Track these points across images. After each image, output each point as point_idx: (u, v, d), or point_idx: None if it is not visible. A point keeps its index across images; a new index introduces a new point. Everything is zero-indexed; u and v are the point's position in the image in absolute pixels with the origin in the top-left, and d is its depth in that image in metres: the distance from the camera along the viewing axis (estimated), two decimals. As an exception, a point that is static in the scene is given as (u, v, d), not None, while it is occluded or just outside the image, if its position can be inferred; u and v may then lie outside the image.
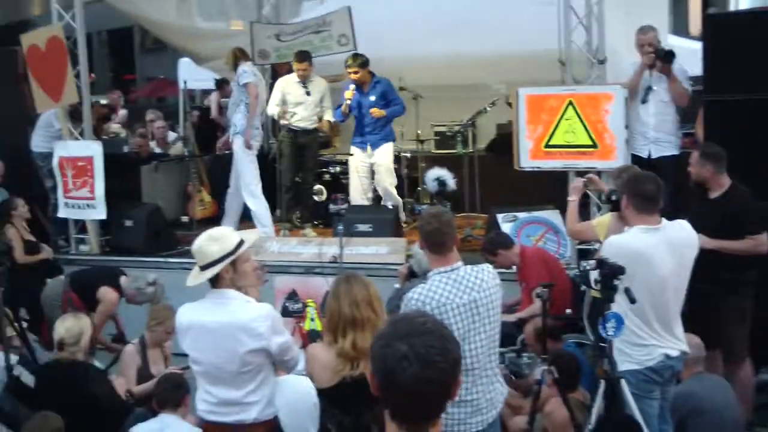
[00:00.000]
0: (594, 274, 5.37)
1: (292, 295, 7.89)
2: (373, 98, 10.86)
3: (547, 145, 8.88)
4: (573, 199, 7.20)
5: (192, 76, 15.60)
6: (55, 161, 10.73)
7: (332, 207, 9.10)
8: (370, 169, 11.07)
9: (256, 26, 13.05)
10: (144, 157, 12.63)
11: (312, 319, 8.85)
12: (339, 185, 11.62)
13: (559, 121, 8.78)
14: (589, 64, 8.92)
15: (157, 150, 13.54)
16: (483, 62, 12.51)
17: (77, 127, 10.93)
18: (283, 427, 5.18)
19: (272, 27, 13.16)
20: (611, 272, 5.21)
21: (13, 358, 7.18)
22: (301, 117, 11.12)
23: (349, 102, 10.84)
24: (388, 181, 10.98)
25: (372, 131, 11.01)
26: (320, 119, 11.21)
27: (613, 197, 6.10)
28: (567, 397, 6.30)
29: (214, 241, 4.94)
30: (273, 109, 11.24)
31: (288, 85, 11.20)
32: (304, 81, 11.09)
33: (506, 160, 9.56)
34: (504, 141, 11.26)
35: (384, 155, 11.01)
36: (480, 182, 11.64)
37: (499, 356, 5.16)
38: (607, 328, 5.27)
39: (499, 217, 9.50)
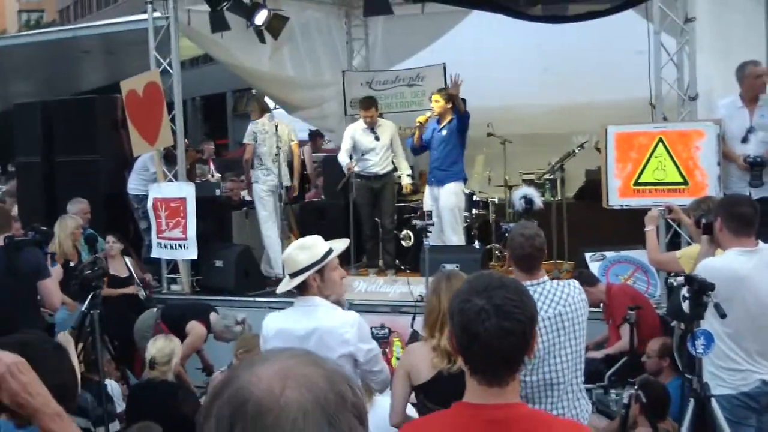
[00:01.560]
0: (683, 291, 5.30)
1: (381, 327, 7.95)
2: (444, 132, 10.68)
3: (637, 183, 8.80)
4: (650, 229, 7.13)
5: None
6: (149, 203, 11.00)
7: (418, 223, 9.12)
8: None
9: (349, 74, 13.31)
10: (235, 203, 12.88)
11: (398, 358, 8.89)
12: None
13: (648, 159, 8.71)
14: (680, 102, 8.86)
15: (248, 198, 13.79)
16: (572, 111, 12.55)
17: (171, 170, 11.22)
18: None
19: (365, 74, 13.39)
20: (700, 288, 5.14)
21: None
22: (374, 163, 11.22)
23: (420, 126, 10.69)
24: (450, 230, 10.63)
25: (439, 167, 10.75)
26: (398, 175, 11.32)
27: (704, 220, 6.01)
28: (656, 426, 6.19)
29: (303, 250, 5.04)
30: (344, 158, 11.36)
31: (356, 132, 11.36)
32: (372, 127, 11.23)
33: (595, 206, 9.51)
34: (593, 187, 11.19)
35: (449, 197, 10.68)
36: (568, 230, 11.53)
37: (586, 393, 5.10)
38: (696, 345, 5.18)
39: (587, 256, 9.43)
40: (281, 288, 5.15)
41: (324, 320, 4.96)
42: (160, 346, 7.06)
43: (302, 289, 5.04)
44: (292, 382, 1.57)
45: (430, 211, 9.75)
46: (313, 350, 4.64)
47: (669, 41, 9.03)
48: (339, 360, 4.87)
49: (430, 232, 9.23)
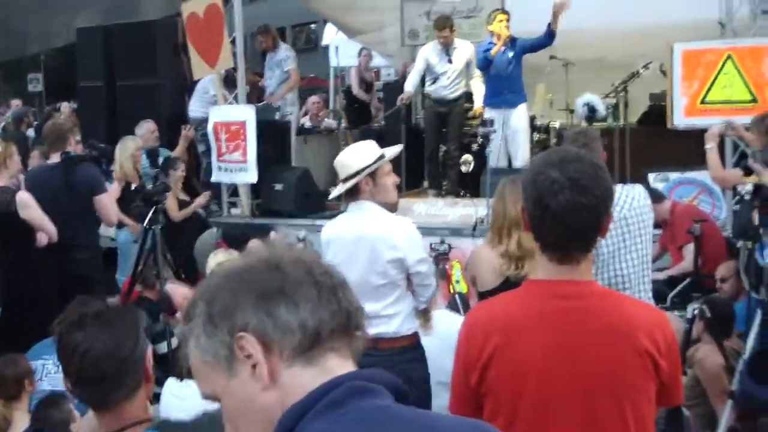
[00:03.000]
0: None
1: (441, 242, 7.90)
2: (510, 54, 10.33)
3: (703, 101, 8.58)
4: (710, 147, 6.97)
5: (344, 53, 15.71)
6: (209, 126, 10.98)
7: (481, 130, 8.98)
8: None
9: (407, 4, 13.10)
10: (295, 129, 12.87)
11: (457, 281, 8.84)
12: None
13: (716, 77, 8.47)
14: (752, 17, 8.58)
15: (309, 124, 13.80)
16: (637, 34, 12.23)
17: (231, 93, 11.20)
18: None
19: (422, 5, 13.16)
20: (771, 196, 5.02)
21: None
22: (443, 86, 10.98)
23: (500, 45, 10.23)
24: (524, 148, 10.38)
25: (510, 89, 10.38)
26: (471, 99, 11.09)
27: None
28: (722, 343, 6.09)
29: (355, 153, 5.00)
30: (408, 83, 11.18)
31: (430, 53, 11.09)
32: (447, 48, 10.97)
33: (660, 131, 9.30)
34: (657, 112, 10.97)
35: (520, 118, 10.42)
36: (631, 155, 11.32)
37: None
38: (765, 255, 5.07)
39: (651, 176, 9.25)
40: (334, 193, 5.13)
41: (374, 225, 4.94)
42: (220, 260, 7.05)
43: (354, 194, 4.99)
44: None
45: (492, 119, 9.60)
46: (363, 255, 4.67)
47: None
48: (387, 264, 4.85)
49: (492, 139, 9.09)
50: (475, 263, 5.00)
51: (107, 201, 7.61)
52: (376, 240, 4.87)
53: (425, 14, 12.92)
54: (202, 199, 10.11)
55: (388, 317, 4.92)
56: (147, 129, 10.39)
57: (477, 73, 11.00)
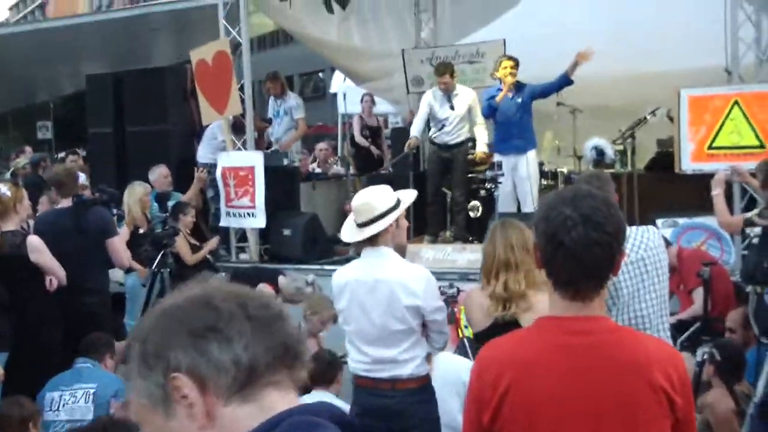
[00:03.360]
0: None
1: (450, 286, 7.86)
2: (519, 100, 10.39)
3: (711, 147, 8.62)
4: (717, 193, 6.99)
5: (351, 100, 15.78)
6: (218, 171, 11.03)
7: (489, 174, 8.99)
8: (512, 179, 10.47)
9: (409, 52, 13.13)
10: (303, 175, 12.90)
11: (466, 326, 8.81)
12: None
13: (723, 122, 8.52)
14: (757, 63, 8.64)
15: (318, 170, 13.87)
16: (644, 82, 12.31)
17: (240, 139, 11.27)
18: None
19: (425, 51, 13.21)
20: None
21: None
22: (446, 131, 10.95)
23: (506, 92, 10.33)
24: (533, 195, 10.25)
25: (519, 135, 10.41)
26: (473, 144, 11.13)
27: None
28: (732, 387, 6.05)
29: (378, 196, 5.03)
30: (414, 128, 11.16)
31: (432, 99, 11.08)
32: (448, 94, 10.99)
33: (668, 177, 9.33)
34: (665, 158, 11.00)
35: (530, 165, 10.40)
36: (640, 201, 11.32)
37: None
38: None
39: (659, 222, 9.25)
40: (352, 237, 5.10)
41: (394, 271, 4.97)
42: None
43: (373, 239, 5.01)
44: None
45: (500, 162, 9.62)
46: (381, 300, 4.70)
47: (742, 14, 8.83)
48: (405, 310, 4.87)
49: (500, 182, 9.11)
50: (467, 305, 5.05)
51: (119, 244, 7.64)
52: (396, 285, 4.90)
53: (428, 60, 12.97)
54: (213, 242, 10.11)
55: (404, 362, 4.96)
56: (160, 174, 10.44)
57: (480, 120, 11.00)
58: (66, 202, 7.67)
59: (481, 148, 11.00)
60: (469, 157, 11.08)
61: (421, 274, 5.05)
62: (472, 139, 11.20)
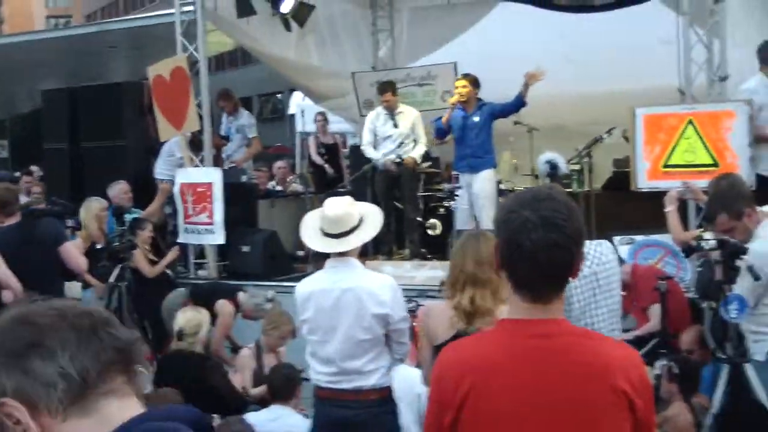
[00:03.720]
0: (714, 255, 5.26)
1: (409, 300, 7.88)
2: (477, 119, 10.41)
3: (666, 165, 8.73)
4: (670, 209, 7.07)
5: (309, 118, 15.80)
6: (176, 188, 10.99)
7: (446, 186, 9.00)
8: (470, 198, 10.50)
9: (358, 75, 13.14)
10: (262, 192, 12.90)
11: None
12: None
13: (678, 141, 8.64)
14: (709, 83, 8.79)
15: (277, 188, 13.87)
16: (598, 101, 12.44)
17: (198, 155, 11.23)
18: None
19: (374, 74, 13.24)
20: (734, 251, 5.10)
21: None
22: (390, 150, 11.04)
23: (451, 109, 10.40)
24: (488, 214, 10.10)
25: (473, 154, 10.44)
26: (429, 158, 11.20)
27: None
28: (691, 400, 6.12)
29: (351, 207, 5.08)
30: (369, 149, 11.27)
31: (376, 118, 11.21)
32: (391, 113, 11.09)
33: (624, 196, 9.41)
34: (621, 178, 11.11)
35: (483, 184, 10.41)
36: (596, 221, 11.40)
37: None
38: (729, 310, 5.13)
39: (616, 239, 9.32)
40: (333, 248, 5.07)
41: (362, 280, 5.03)
42: (188, 317, 7.06)
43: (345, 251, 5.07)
44: None
45: (457, 175, 9.65)
46: (348, 309, 4.71)
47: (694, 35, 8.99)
48: (372, 319, 4.89)
49: (458, 195, 9.15)
50: (429, 317, 4.99)
51: (73, 249, 7.55)
52: (363, 294, 4.94)
53: (377, 83, 13.00)
54: (172, 254, 10.03)
55: (368, 372, 4.99)
56: (120, 190, 10.35)
57: (422, 138, 11.13)
58: (13, 219, 7.56)
59: (411, 155, 11.03)
60: (403, 161, 11.06)
61: (389, 283, 5.11)
62: (427, 154, 11.29)
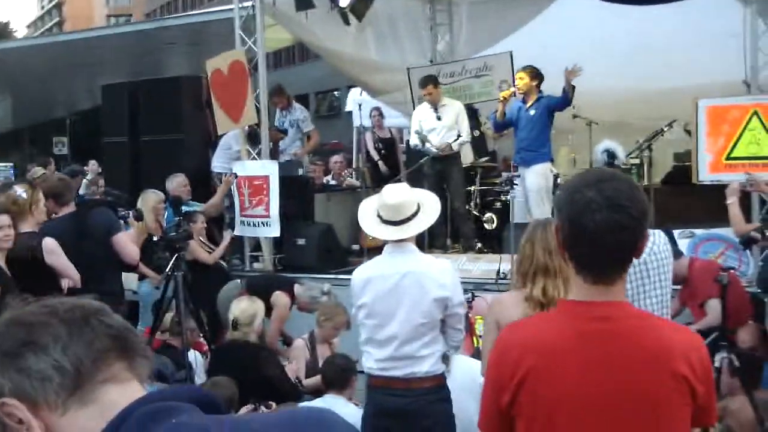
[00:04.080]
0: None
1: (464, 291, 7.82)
2: (533, 112, 10.35)
3: (729, 157, 8.57)
4: (731, 201, 6.95)
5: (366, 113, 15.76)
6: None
7: (504, 175, 8.93)
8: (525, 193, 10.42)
9: (414, 70, 13.10)
10: (318, 186, 12.91)
11: (481, 336, 8.74)
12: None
13: (742, 132, 8.48)
14: (777, 73, 8.62)
15: (332, 183, 13.88)
16: (661, 96, 12.28)
17: (255, 149, 11.27)
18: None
19: (429, 68, 13.13)
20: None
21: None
22: (435, 143, 11.02)
23: (504, 102, 10.40)
24: (540, 208, 10.14)
25: (527, 147, 10.39)
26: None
27: None
28: (753, 394, 5.99)
29: (410, 195, 5.08)
30: (413, 138, 11.32)
31: (422, 111, 11.24)
32: (435, 105, 11.08)
33: (685, 191, 9.26)
34: (681, 172, 10.93)
35: (535, 178, 10.32)
36: (656, 214, 11.20)
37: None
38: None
39: (675, 233, 9.15)
40: (394, 236, 5.06)
41: (421, 264, 5.05)
42: (243, 307, 7.06)
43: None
44: None
45: (516, 165, 9.61)
46: (407, 293, 4.69)
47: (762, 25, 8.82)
48: (433, 302, 4.86)
49: (516, 184, 9.09)
50: (499, 307, 4.90)
51: (125, 239, 7.57)
52: (425, 277, 4.94)
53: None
54: (227, 239, 10.08)
55: (422, 358, 4.96)
56: (178, 183, 10.38)
57: (466, 131, 11.09)
58: (67, 209, 7.62)
59: (447, 140, 10.99)
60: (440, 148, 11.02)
61: (448, 267, 5.18)
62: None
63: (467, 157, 11.96)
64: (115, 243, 7.44)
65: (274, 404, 6.15)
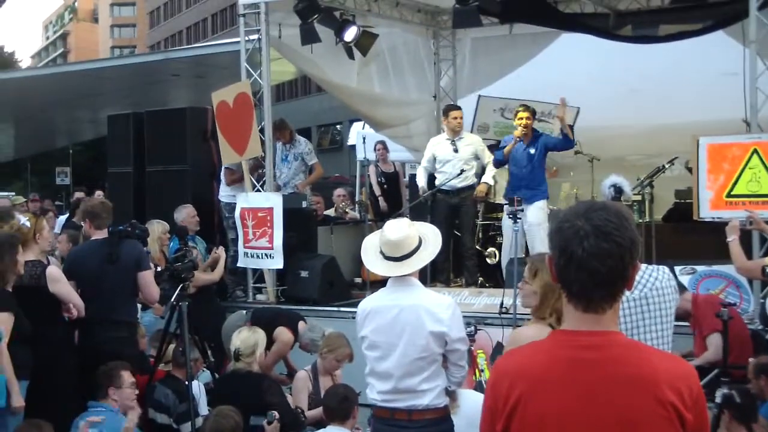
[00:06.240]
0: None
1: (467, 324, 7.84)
2: (532, 151, 10.49)
3: (729, 195, 8.63)
4: (732, 239, 7.00)
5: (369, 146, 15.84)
6: (237, 212, 11.11)
7: (507, 209, 8.96)
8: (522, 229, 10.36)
9: (484, 99, 13.27)
10: (320, 218, 12.97)
11: (481, 370, 8.77)
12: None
13: (742, 170, 8.55)
14: (777, 111, 8.69)
15: (334, 215, 13.93)
16: (661, 133, 12.40)
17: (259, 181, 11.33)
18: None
19: (499, 101, 13.37)
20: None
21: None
22: (449, 175, 11.07)
23: (514, 144, 10.50)
24: (540, 246, 10.03)
25: (527, 186, 10.50)
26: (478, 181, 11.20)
27: None
28: (751, 427, 6.02)
29: (411, 230, 5.11)
30: (420, 177, 11.42)
31: (438, 142, 11.31)
32: (453, 138, 11.16)
33: (686, 228, 9.30)
34: (683, 208, 11.00)
35: (537, 212, 10.47)
36: (657, 252, 11.31)
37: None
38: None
39: (677, 269, 9.22)
40: (395, 272, 5.12)
41: (421, 298, 5.08)
42: (244, 337, 7.09)
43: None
44: None
45: (521, 199, 9.66)
46: (405, 326, 4.70)
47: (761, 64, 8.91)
48: (430, 336, 4.89)
49: (520, 218, 9.14)
50: (515, 341, 4.89)
51: (150, 278, 7.64)
52: (422, 311, 4.97)
53: (500, 110, 13.13)
54: (220, 255, 9.99)
55: (422, 392, 4.99)
56: (187, 213, 10.44)
57: (489, 161, 11.14)
58: (100, 234, 7.67)
59: (483, 184, 11.15)
60: (475, 193, 11.14)
61: (448, 302, 5.15)
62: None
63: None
64: (141, 278, 7.51)
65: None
